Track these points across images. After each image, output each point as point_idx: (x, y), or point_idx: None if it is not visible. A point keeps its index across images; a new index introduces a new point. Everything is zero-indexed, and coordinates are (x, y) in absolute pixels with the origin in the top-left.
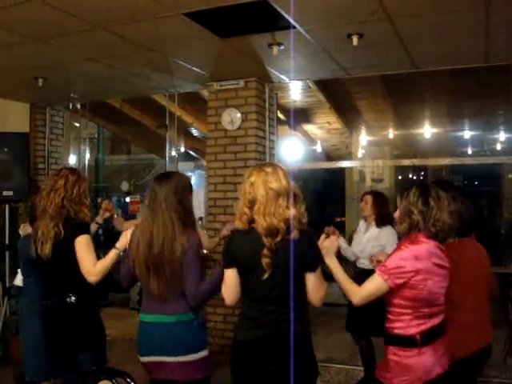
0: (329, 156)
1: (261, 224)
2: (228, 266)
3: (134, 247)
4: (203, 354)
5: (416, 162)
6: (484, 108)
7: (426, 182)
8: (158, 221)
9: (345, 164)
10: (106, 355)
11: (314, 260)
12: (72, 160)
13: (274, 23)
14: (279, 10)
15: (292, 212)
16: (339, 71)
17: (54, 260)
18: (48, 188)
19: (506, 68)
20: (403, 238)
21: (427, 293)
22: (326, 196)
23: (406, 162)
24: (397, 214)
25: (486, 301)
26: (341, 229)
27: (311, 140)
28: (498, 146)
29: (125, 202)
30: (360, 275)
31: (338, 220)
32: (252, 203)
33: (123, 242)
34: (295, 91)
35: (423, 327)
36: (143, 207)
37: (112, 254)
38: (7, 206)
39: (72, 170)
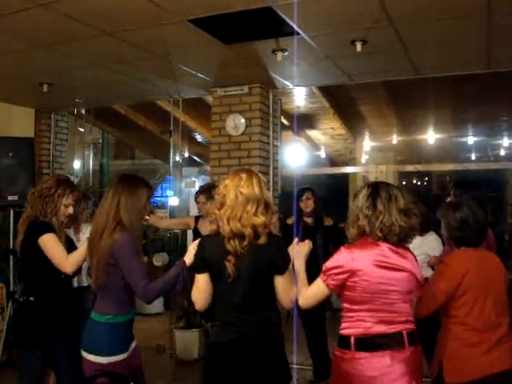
0: (332, 161)
1: (224, 228)
2: (200, 271)
3: None
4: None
5: (420, 167)
6: (487, 114)
7: (379, 181)
8: None
9: (348, 170)
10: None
11: (283, 263)
12: (76, 165)
13: (278, 29)
14: (283, 16)
15: (261, 219)
16: (343, 77)
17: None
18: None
19: (509, 74)
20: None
21: (367, 294)
22: (329, 202)
23: (410, 168)
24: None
25: (497, 318)
26: (343, 234)
27: (315, 146)
28: (502, 152)
29: None
30: None
31: (342, 226)
32: (222, 205)
33: (190, 256)
34: (299, 97)
35: (363, 331)
36: None
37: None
38: (12, 210)
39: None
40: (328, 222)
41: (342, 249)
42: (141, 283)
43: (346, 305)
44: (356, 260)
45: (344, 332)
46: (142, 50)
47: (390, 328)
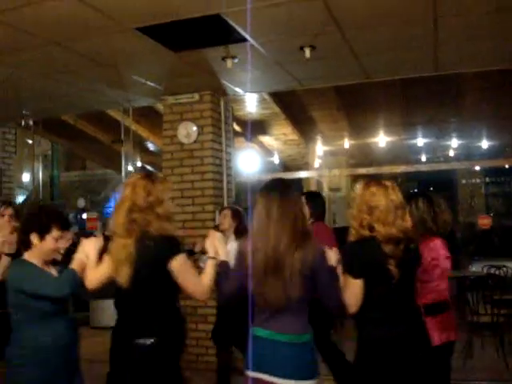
0: (286, 167)
1: (380, 232)
2: (358, 276)
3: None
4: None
5: (371, 170)
6: (436, 116)
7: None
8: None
9: (302, 174)
10: None
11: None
12: (26, 178)
13: (227, 37)
14: (232, 23)
15: (409, 223)
16: (293, 83)
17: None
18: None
19: (455, 77)
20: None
21: None
22: None
23: (362, 171)
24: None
25: None
26: None
27: (268, 151)
28: (451, 153)
29: (81, 218)
30: None
31: None
32: (371, 211)
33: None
34: (251, 103)
35: None
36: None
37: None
38: None
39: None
40: None
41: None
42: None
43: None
44: None
45: None
46: (90, 59)
47: None
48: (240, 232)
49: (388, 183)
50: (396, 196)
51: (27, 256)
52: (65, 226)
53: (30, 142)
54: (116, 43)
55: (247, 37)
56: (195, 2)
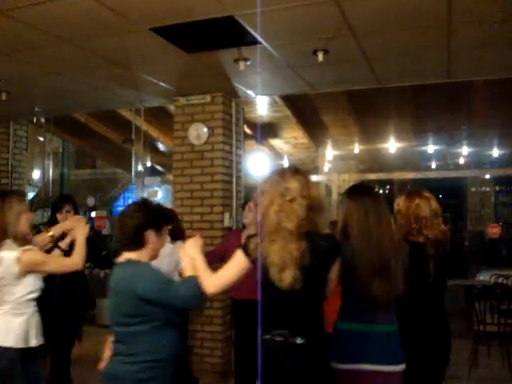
0: None
1: (428, 236)
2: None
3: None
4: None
5: (381, 175)
6: (447, 123)
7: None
8: None
9: (311, 178)
10: None
11: None
12: (36, 175)
13: (241, 39)
14: (245, 25)
15: (445, 227)
16: (305, 87)
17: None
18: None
19: (468, 84)
20: None
21: None
22: None
23: (372, 176)
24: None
25: None
26: None
27: (278, 155)
28: (461, 160)
29: (90, 217)
30: None
31: None
32: (418, 220)
33: None
34: (262, 106)
35: None
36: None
37: None
38: None
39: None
40: None
41: None
42: None
43: None
44: None
45: None
46: (103, 58)
47: None
48: (175, 235)
49: (427, 194)
50: (435, 205)
51: (136, 256)
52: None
53: (42, 139)
54: (130, 43)
55: (260, 39)
56: (209, 4)
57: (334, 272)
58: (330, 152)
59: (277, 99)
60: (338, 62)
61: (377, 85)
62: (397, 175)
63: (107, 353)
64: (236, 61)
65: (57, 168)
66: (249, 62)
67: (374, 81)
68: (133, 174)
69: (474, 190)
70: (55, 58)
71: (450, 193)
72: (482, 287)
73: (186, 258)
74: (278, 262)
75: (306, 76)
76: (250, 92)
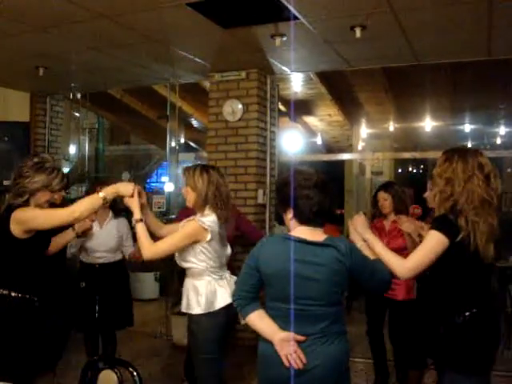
0: (329, 148)
1: None
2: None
3: None
4: None
5: (416, 155)
6: (485, 102)
7: None
8: None
9: (345, 157)
10: None
11: None
12: (72, 150)
13: (277, 14)
14: (282, 0)
15: None
16: (341, 63)
17: None
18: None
19: (507, 62)
20: None
21: None
22: None
23: (406, 155)
24: None
25: None
26: (340, 221)
27: (312, 132)
28: (498, 140)
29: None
30: None
31: (338, 212)
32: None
33: None
34: (296, 83)
35: None
36: None
37: None
38: (7, 195)
39: None
40: None
41: None
42: None
43: None
44: None
45: None
46: (139, 33)
47: None
48: (118, 210)
49: None
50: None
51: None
52: None
53: (77, 114)
54: (166, 18)
55: (298, 15)
56: None
57: None
58: (364, 130)
59: (312, 76)
60: (375, 38)
61: (415, 62)
62: (432, 154)
63: None
64: (272, 36)
65: (92, 143)
66: (285, 38)
67: (412, 57)
68: (167, 150)
69: (510, 170)
70: (92, 33)
71: None
72: None
73: (358, 238)
74: (485, 236)
75: (343, 52)
76: (285, 68)
